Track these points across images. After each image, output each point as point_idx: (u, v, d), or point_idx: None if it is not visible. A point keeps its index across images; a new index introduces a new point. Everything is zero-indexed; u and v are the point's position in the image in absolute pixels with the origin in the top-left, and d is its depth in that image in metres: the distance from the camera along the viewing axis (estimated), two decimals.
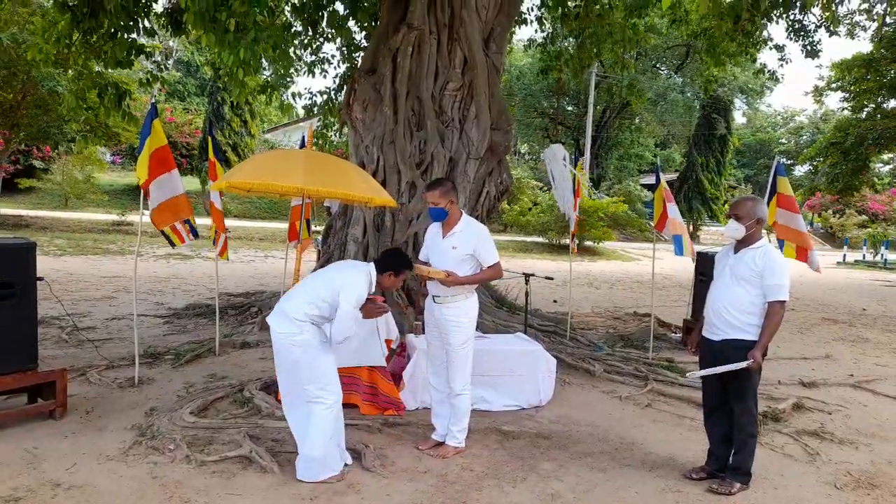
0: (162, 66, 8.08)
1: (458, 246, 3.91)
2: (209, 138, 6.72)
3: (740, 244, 3.66)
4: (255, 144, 26.40)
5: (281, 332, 3.50)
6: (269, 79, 10.14)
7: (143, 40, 7.61)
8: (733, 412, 3.64)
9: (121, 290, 9.63)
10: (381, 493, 3.42)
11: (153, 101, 5.03)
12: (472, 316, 4.01)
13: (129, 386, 5.00)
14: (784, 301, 3.48)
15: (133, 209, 20.03)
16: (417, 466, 3.77)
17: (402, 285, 7.14)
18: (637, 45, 11.61)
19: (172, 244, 5.22)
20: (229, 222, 18.84)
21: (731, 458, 3.70)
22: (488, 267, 3.95)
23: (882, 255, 25.19)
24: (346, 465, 3.65)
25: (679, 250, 6.49)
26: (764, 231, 3.87)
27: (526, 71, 32.67)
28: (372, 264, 3.71)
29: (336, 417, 3.57)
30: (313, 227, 7.34)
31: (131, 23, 7.00)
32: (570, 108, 39.30)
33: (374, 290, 3.67)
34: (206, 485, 3.39)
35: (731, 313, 3.56)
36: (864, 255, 26.84)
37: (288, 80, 10.98)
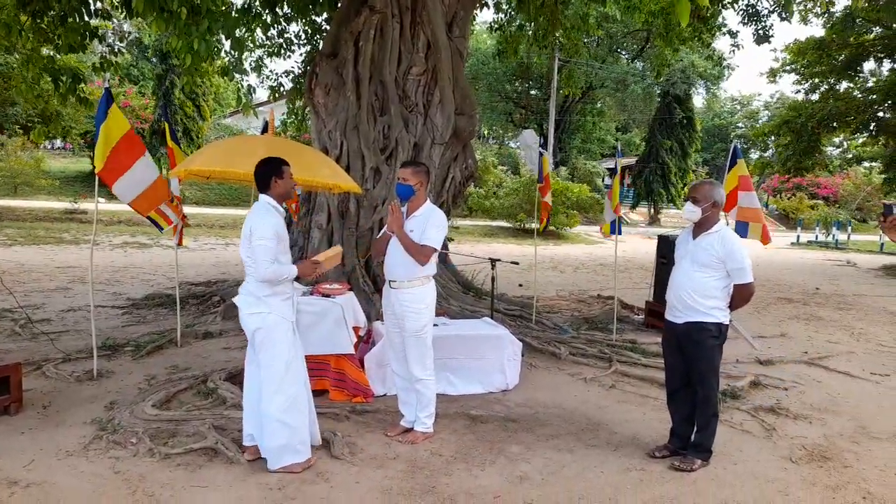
0: (116, 51, 7.73)
1: (415, 230, 3.86)
2: (165, 124, 6.52)
3: (698, 228, 3.74)
4: (206, 130, 25.67)
5: (245, 313, 3.47)
6: (227, 62, 9.87)
7: (95, 22, 7.31)
8: (696, 393, 3.74)
9: (76, 281, 9.33)
10: (349, 480, 3.41)
11: (106, 85, 4.84)
12: (429, 303, 3.96)
13: (87, 379, 4.86)
14: (750, 282, 3.60)
15: (86, 196, 19.37)
16: (386, 453, 3.78)
17: (367, 272, 7.13)
18: (587, 33, 11.74)
19: (161, 228, 5.23)
20: (188, 209, 18.43)
21: (693, 436, 3.80)
22: (422, 245, 3.82)
23: (833, 235, 26.10)
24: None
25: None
26: (722, 214, 3.97)
27: (490, 55, 32.60)
28: (262, 196, 3.55)
29: (292, 404, 3.48)
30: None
31: (83, 5, 6.72)
32: (533, 93, 39.44)
33: (281, 211, 3.55)
34: (171, 478, 3.33)
35: (694, 298, 3.65)
36: (816, 236, 27.79)
37: (245, 65, 10.71)
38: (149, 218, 5.12)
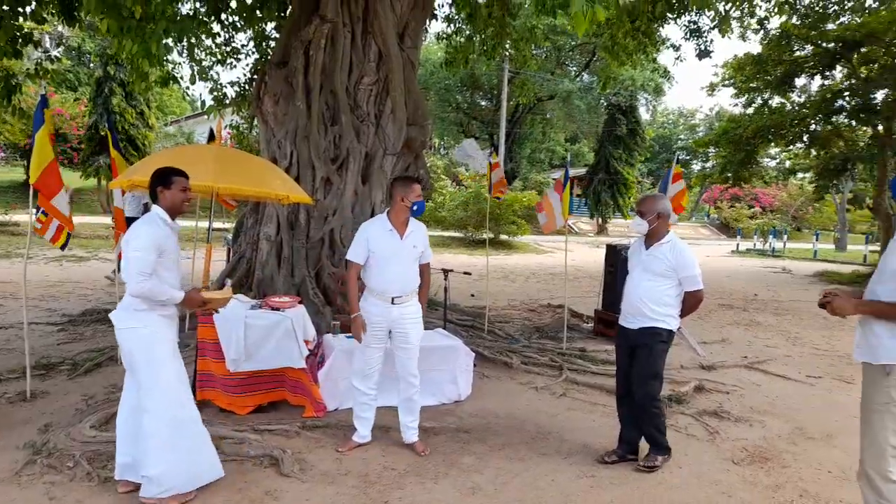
0: (52, 57, 7.37)
1: (417, 244, 4.00)
2: (108, 132, 6.27)
3: (649, 239, 3.90)
4: (153, 137, 24.89)
5: (117, 326, 3.21)
6: (167, 71, 9.58)
7: (31, 24, 6.99)
8: (637, 397, 3.85)
9: (7, 297, 8.87)
10: (300, 498, 3.34)
11: (42, 92, 4.65)
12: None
13: (19, 401, 4.62)
14: (700, 289, 3.80)
15: (18, 207, 18.47)
16: (338, 469, 3.72)
17: (318, 284, 7.03)
18: (534, 45, 11.97)
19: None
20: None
21: (644, 438, 3.91)
22: (425, 263, 4.12)
23: (770, 243, 27.27)
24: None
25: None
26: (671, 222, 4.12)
27: (439, 65, 32.88)
28: (153, 206, 3.33)
29: (176, 428, 3.21)
30: (222, 224, 7.02)
31: (17, 5, 6.42)
32: (483, 103, 39.89)
33: (170, 223, 3.30)
34: (111, 503, 3.19)
35: (648, 305, 3.79)
36: (755, 244, 28.96)
37: (190, 73, 10.46)
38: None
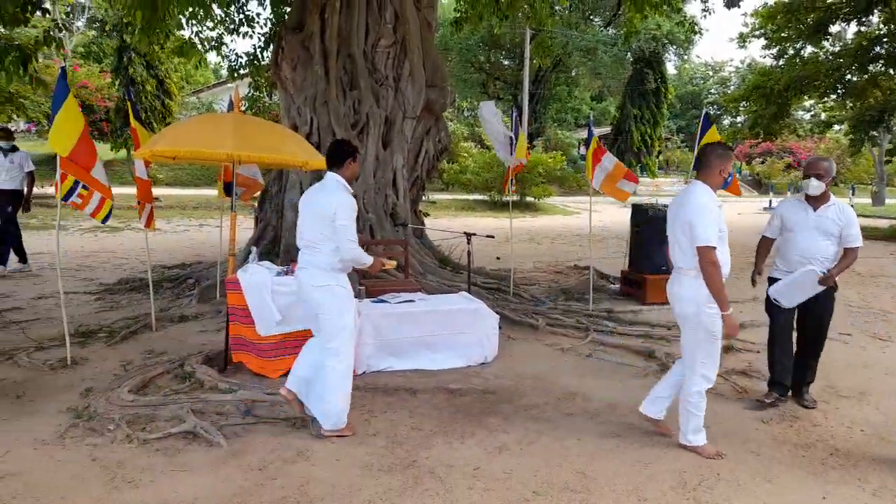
0: (63, 25, 7.31)
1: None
2: (128, 103, 6.31)
3: (818, 201, 4.11)
4: (176, 107, 25.06)
5: (313, 285, 3.64)
6: (183, 37, 9.52)
7: None
8: (813, 337, 4.33)
9: (45, 268, 9.14)
10: (330, 457, 3.43)
11: (63, 64, 4.68)
12: None
13: (61, 367, 4.79)
14: (860, 246, 4.08)
15: (51, 181, 18.85)
16: (366, 430, 3.80)
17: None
18: (553, 2, 11.55)
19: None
20: (158, 191, 18.07)
21: (807, 376, 4.34)
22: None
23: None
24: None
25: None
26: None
27: (451, 23, 32.24)
28: (331, 175, 3.72)
29: (349, 372, 3.72)
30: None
31: None
32: (506, 63, 39.12)
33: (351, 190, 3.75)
34: (150, 463, 3.32)
35: (822, 262, 4.07)
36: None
37: (203, 31, 10.33)
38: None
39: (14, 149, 8.43)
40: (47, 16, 7.15)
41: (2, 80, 6.66)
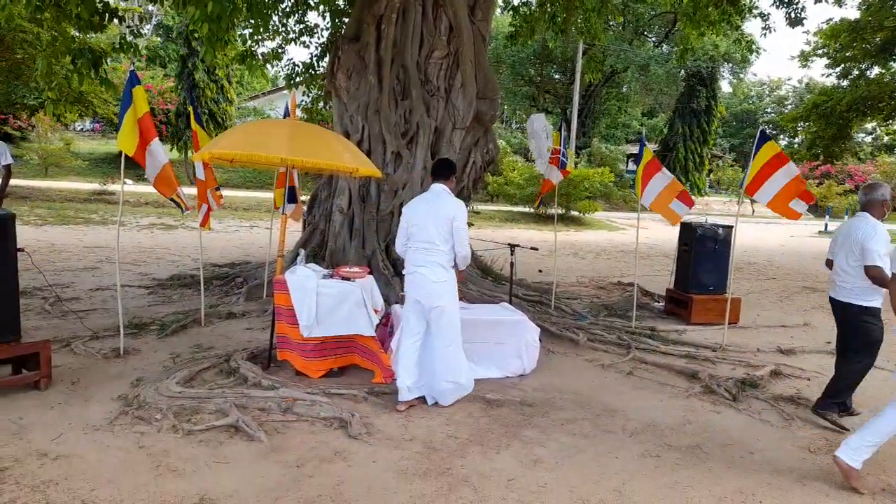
0: (137, 32, 7.63)
1: None
2: (190, 107, 6.57)
3: None
4: (233, 111, 25.91)
5: (435, 281, 4.13)
6: (246, 46, 9.84)
7: (113, 1, 7.28)
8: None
9: (104, 261, 9.54)
10: (367, 459, 3.47)
11: (132, 67, 4.91)
12: None
13: (114, 356, 5.00)
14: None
15: (114, 178, 19.72)
16: (403, 434, 3.83)
17: (387, 256, 7.18)
18: (607, 18, 11.51)
19: (183, 209, 5.41)
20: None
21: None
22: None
23: None
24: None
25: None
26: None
27: (507, 38, 32.32)
28: (438, 185, 4.31)
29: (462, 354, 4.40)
30: (301, 197, 7.25)
31: None
32: (557, 77, 38.97)
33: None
34: (194, 454, 3.43)
35: None
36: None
37: (264, 41, 10.65)
38: (171, 199, 5.23)
39: None
40: (123, 23, 7.46)
41: (74, 80, 7.00)
